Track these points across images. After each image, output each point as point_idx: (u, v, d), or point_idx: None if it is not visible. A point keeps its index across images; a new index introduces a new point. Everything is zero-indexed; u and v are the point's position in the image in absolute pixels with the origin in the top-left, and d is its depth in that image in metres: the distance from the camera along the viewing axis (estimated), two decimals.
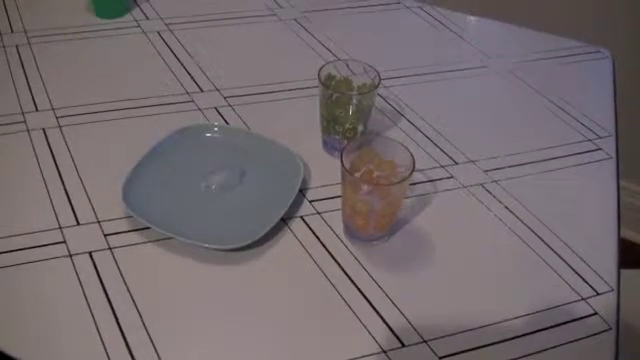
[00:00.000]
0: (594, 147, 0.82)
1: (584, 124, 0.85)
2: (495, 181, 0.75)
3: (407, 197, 0.70)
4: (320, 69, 0.72)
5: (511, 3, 1.40)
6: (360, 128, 0.73)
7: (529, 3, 1.43)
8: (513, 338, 0.59)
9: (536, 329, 0.60)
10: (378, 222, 0.62)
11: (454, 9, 1.07)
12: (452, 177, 0.75)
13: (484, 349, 0.58)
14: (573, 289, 0.64)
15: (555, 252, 0.67)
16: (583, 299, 0.63)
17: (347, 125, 0.72)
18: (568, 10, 1.41)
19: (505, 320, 0.60)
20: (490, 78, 0.93)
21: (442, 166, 0.76)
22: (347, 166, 0.60)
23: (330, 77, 0.72)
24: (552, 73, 0.95)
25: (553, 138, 0.82)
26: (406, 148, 0.63)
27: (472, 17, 1.07)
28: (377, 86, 0.71)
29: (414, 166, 0.60)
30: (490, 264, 0.66)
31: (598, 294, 0.63)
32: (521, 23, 1.06)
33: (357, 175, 0.62)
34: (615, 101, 0.91)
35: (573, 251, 0.67)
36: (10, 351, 0.54)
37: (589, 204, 0.74)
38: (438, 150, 0.78)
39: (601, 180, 0.77)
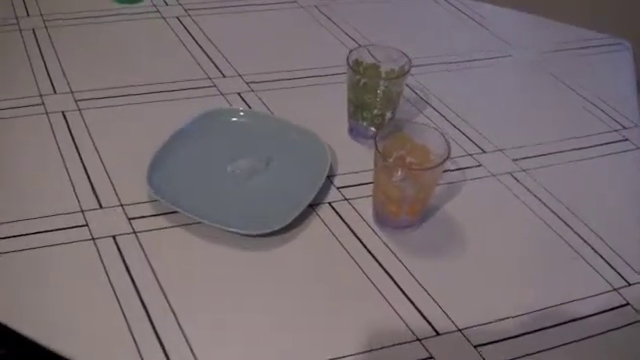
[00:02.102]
0: (620, 138, 0.81)
1: (609, 114, 0.84)
2: (524, 170, 0.74)
3: (437, 184, 0.69)
4: (349, 53, 0.70)
5: None
6: (388, 115, 0.72)
7: None
8: (546, 328, 0.58)
9: (569, 319, 0.59)
10: (410, 208, 0.61)
11: None
12: (481, 165, 0.74)
13: (518, 339, 0.56)
14: (605, 279, 0.63)
15: (586, 242, 0.66)
16: (615, 289, 0.62)
17: (375, 111, 0.71)
18: (587, 1, 1.40)
19: (538, 310, 0.59)
20: (514, 68, 0.92)
21: (470, 154, 0.75)
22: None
23: (358, 62, 0.71)
24: (574, 63, 0.94)
25: (579, 128, 0.81)
26: (440, 133, 0.61)
27: (493, 7, 1.06)
28: (407, 72, 0.70)
29: (449, 151, 0.59)
30: (521, 253, 0.65)
31: (629, 284, 0.62)
32: (540, 13, 1.05)
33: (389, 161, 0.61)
34: (638, 92, 0.90)
35: (603, 241, 0.66)
36: (32, 335, 0.53)
37: (617, 194, 0.73)
38: (465, 138, 0.77)
39: (629, 170, 0.76)
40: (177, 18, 0.94)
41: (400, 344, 0.55)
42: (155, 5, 0.96)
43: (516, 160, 0.75)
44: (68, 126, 0.73)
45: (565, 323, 0.58)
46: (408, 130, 0.64)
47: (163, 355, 0.52)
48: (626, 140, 0.80)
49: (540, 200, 0.70)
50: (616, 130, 0.82)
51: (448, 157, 0.59)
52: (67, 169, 0.67)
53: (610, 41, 1.00)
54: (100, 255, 0.59)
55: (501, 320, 0.58)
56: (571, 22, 1.03)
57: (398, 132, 0.63)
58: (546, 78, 0.90)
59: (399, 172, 0.59)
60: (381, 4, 1.03)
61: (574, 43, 0.98)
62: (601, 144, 0.79)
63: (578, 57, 0.96)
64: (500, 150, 0.76)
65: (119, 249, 0.60)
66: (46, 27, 0.89)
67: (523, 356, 0.55)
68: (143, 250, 0.60)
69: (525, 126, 0.81)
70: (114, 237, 0.61)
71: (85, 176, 0.67)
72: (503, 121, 0.81)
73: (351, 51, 0.71)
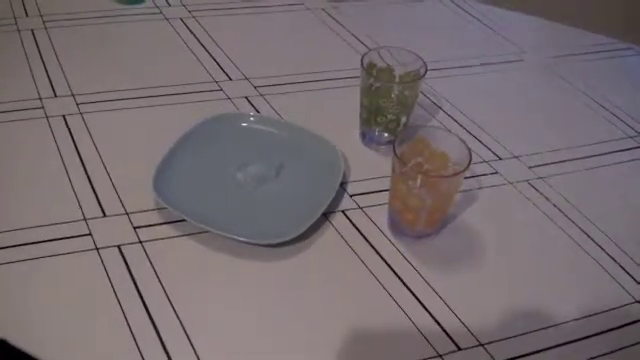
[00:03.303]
0: (635, 144, 0.79)
1: (623, 120, 0.83)
2: (541, 178, 0.72)
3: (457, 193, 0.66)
4: (363, 56, 0.68)
5: None
6: (403, 120, 0.69)
7: None
8: (570, 342, 0.56)
9: (592, 333, 0.57)
10: (429, 218, 0.59)
11: (486, 2, 1.04)
12: (497, 173, 0.71)
13: (542, 353, 0.54)
14: (626, 291, 0.61)
15: (606, 252, 0.64)
16: (637, 301, 0.60)
17: (390, 116, 0.68)
18: (598, 5, 1.39)
19: (561, 323, 0.57)
20: (526, 73, 0.90)
21: (486, 161, 0.73)
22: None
23: (371, 65, 0.69)
24: (586, 68, 0.92)
25: (593, 135, 0.80)
26: (459, 139, 0.59)
27: (504, 11, 1.04)
28: (423, 76, 0.68)
29: (471, 158, 0.57)
30: (541, 264, 0.63)
31: None
32: (551, 18, 1.03)
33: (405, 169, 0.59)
34: None
35: (623, 251, 0.64)
36: (33, 349, 0.50)
37: (635, 203, 0.71)
38: (480, 144, 0.75)
39: None
40: (180, 19, 0.91)
41: None
42: (157, 6, 0.94)
43: (532, 167, 0.73)
44: (69, 130, 0.70)
45: (588, 337, 0.56)
46: (426, 135, 0.61)
47: None
48: None
49: (558, 209, 0.68)
50: (631, 137, 0.80)
51: (469, 165, 0.57)
52: (69, 175, 0.64)
53: (620, 46, 0.98)
54: (104, 265, 0.56)
55: (524, 334, 0.55)
56: (581, 27, 1.02)
57: (416, 138, 0.61)
58: (558, 83, 0.88)
59: (418, 180, 0.57)
60: (390, 7, 1.01)
61: (585, 48, 0.97)
62: (617, 151, 0.77)
63: (590, 62, 0.94)
64: (516, 157, 0.74)
65: (124, 259, 0.57)
66: (46, 28, 0.86)
67: None
68: (149, 260, 0.57)
69: (539, 132, 0.79)
70: (119, 247, 0.58)
71: (88, 183, 0.64)
72: (517, 126, 0.79)
73: (365, 54, 0.69)
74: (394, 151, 0.56)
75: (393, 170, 0.58)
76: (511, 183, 0.71)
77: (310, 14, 0.96)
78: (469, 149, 0.58)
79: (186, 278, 0.57)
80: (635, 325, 0.58)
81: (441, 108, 0.80)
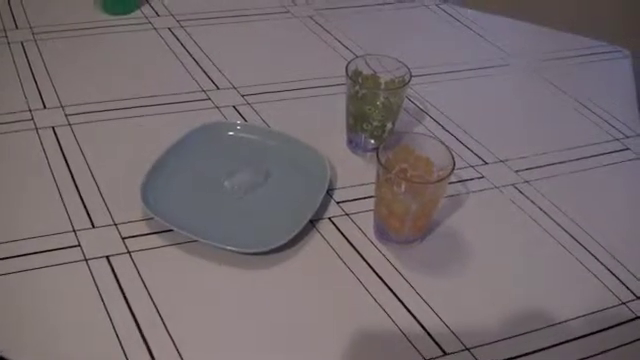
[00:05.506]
0: (622, 147, 0.80)
1: (610, 123, 0.83)
2: (527, 181, 0.72)
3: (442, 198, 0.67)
4: (348, 64, 0.69)
5: (527, 1, 1.39)
6: (388, 126, 0.70)
7: (545, 1, 1.41)
8: (556, 345, 0.56)
9: (578, 335, 0.57)
10: (415, 223, 0.59)
11: (471, 7, 1.05)
12: (483, 177, 0.72)
13: (527, 357, 0.55)
14: (613, 293, 0.61)
15: (592, 254, 0.65)
16: (623, 303, 0.60)
17: (375, 123, 0.69)
18: (584, 8, 1.40)
19: (547, 326, 0.57)
20: (513, 77, 0.91)
21: (472, 166, 0.73)
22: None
23: (357, 73, 0.70)
24: (573, 72, 0.93)
25: (580, 137, 0.80)
26: (443, 145, 0.60)
27: (490, 15, 1.05)
28: (408, 83, 0.68)
29: (454, 163, 0.57)
30: (527, 268, 0.63)
31: (638, 298, 0.61)
32: (537, 22, 1.04)
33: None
34: (639, 100, 0.90)
35: (609, 253, 0.65)
36: None
37: (621, 204, 0.72)
38: (466, 149, 0.76)
39: (631, 180, 0.75)
40: (169, 29, 0.92)
41: None
42: (146, 16, 0.94)
43: (518, 171, 0.74)
44: (58, 142, 0.70)
45: (576, 339, 0.57)
46: (410, 142, 0.62)
47: None
48: (627, 149, 0.79)
49: (544, 212, 0.68)
50: (617, 139, 0.81)
51: (453, 170, 0.57)
52: (58, 186, 0.65)
53: (609, 49, 0.99)
54: (93, 276, 0.57)
55: (508, 338, 0.56)
56: (568, 30, 1.03)
57: (400, 144, 0.61)
58: (545, 87, 0.89)
59: (402, 186, 0.57)
60: (376, 13, 1.02)
61: (572, 51, 0.97)
62: (603, 153, 0.78)
63: (577, 65, 0.95)
64: (502, 161, 0.75)
65: (113, 270, 0.57)
66: (35, 40, 0.86)
67: None
68: (138, 270, 0.58)
69: (525, 136, 0.80)
70: (107, 257, 0.59)
71: (76, 194, 0.64)
72: (503, 131, 0.80)
73: (350, 61, 0.69)
74: (378, 158, 0.57)
75: (378, 177, 0.59)
76: (497, 187, 0.71)
77: (297, 22, 0.97)
78: (452, 155, 0.58)
79: (174, 287, 0.57)
80: (622, 326, 0.58)
81: (427, 113, 0.81)
